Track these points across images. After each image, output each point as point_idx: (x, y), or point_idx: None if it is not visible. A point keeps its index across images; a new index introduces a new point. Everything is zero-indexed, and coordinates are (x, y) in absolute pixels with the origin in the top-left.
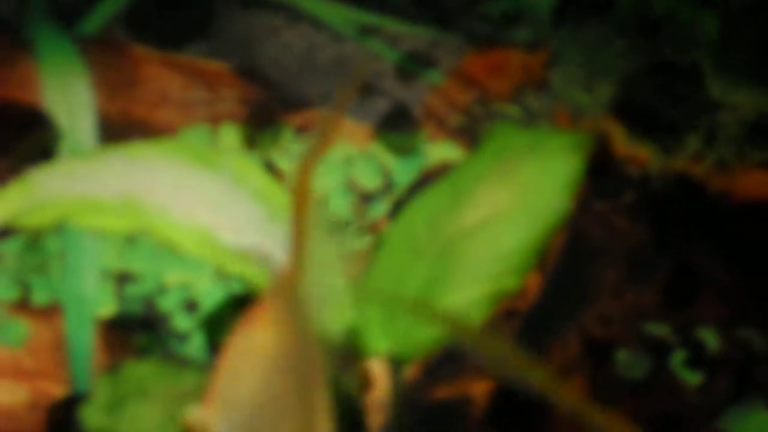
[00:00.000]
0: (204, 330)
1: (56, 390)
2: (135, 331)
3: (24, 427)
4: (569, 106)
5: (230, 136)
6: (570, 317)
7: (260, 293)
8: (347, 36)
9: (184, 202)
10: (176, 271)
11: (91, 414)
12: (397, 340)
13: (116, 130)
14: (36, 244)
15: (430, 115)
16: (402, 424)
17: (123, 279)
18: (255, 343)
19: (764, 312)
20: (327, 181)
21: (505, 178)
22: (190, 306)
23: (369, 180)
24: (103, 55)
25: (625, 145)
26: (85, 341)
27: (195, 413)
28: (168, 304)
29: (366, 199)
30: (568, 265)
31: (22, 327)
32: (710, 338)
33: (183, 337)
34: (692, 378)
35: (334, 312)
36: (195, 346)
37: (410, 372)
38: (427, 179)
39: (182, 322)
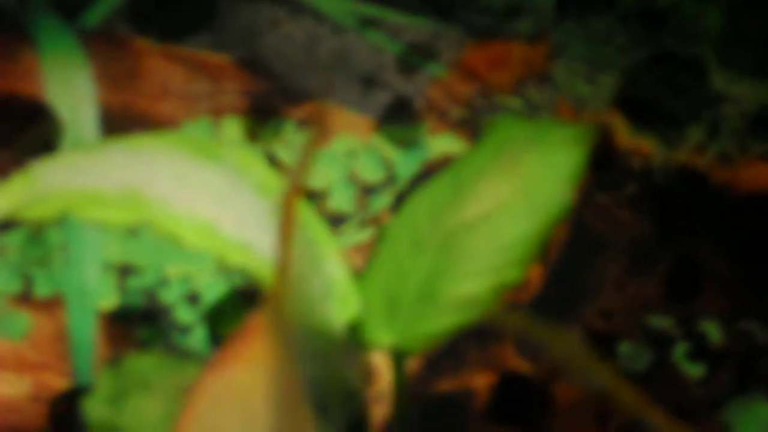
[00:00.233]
0: (206, 323)
1: (58, 382)
2: (137, 324)
3: (26, 420)
4: (571, 98)
5: (232, 128)
6: (572, 310)
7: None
8: (348, 28)
9: (186, 194)
10: (178, 263)
11: (93, 406)
12: (399, 333)
13: (118, 122)
14: (38, 236)
15: (432, 107)
16: (404, 417)
17: (125, 271)
18: (232, 385)
19: (767, 304)
20: (329, 173)
21: (507, 171)
22: (192, 298)
23: (371, 173)
24: (104, 47)
25: (627, 137)
26: (87, 334)
27: None
28: (170, 296)
29: (368, 191)
30: (571, 257)
31: (24, 319)
32: (713, 331)
33: (185, 330)
34: (694, 370)
35: (337, 305)
36: (197, 338)
37: (412, 365)
38: (429, 172)
39: (184, 314)
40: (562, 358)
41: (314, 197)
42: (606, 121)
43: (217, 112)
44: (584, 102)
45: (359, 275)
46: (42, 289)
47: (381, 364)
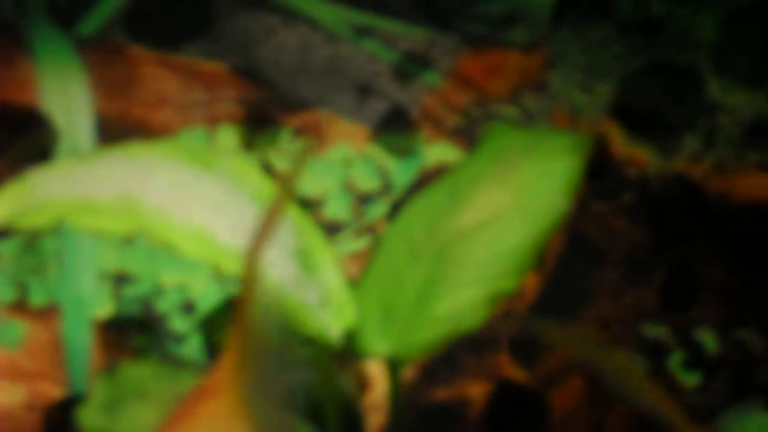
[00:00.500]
0: (201, 331)
1: (53, 391)
2: (132, 332)
3: (21, 428)
4: (568, 107)
5: (228, 137)
6: (568, 318)
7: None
8: (344, 36)
9: (181, 203)
10: (173, 272)
11: (88, 415)
12: (395, 341)
13: (114, 131)
14: (33, 244)
15: (428, 116)
16: (400, 425)
17: (120, 280)
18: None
19: (762, 313)
20: (325, 182)
21: (503, 180)
22: (188, 307)
23: (367, 181)
24: (100, 55)
25: (623, 146)
26: (83, 342)
27: None
28: (165, 305)
29: (364, 200)
30: (567, 266)
31: (20, 328)
32: (708, 339)
33: (180, 338)
34: (690, 379)
35: (333, 313)
36: (192, 347)
37: (408, 373)
38: (425, 180)
39: (179, 323)
40: (607, 373)
41: (310, 206)
42: (602, 130)
43: (213, 121)
44: (580, 111)
45: (355, 284)
46: (37, 298)
47: (377, 373)
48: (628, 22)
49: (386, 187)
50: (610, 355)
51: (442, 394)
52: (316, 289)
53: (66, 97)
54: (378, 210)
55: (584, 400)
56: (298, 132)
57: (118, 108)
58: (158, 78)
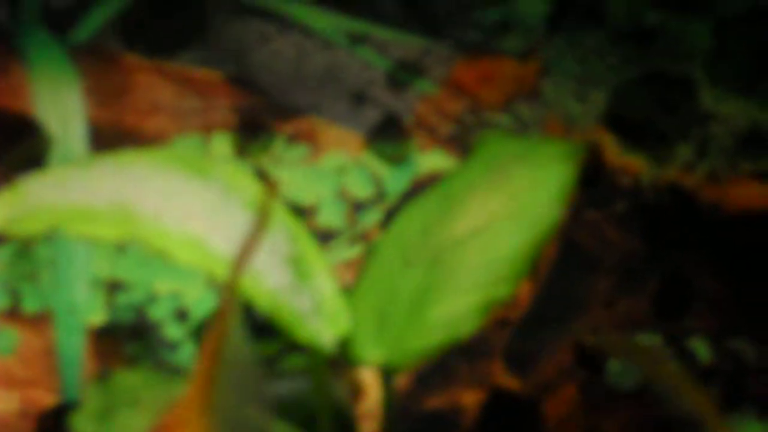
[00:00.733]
0: (195, 339)
1: (46, 398)
2: (125, 340)
3: None
4: (561, 115)
5: (222, 144)
6: (562, 326)
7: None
8: (338, 44)
9: (175, 210)
10: (167, 279)
11: (81, 422)
12: (388, 349)
13: (107, 138)
14: (26, 252)
15: (422, 124)
16: None
17: (114, 287)
18: None
19: (756, 323)
20: (319, 189)
21: (497, 187)
22: (181, 315)
23: (361, 189)
24: (94, 63)
25: (617, 155)
26: (76, 350)
27: None
28: (159, 312)
29: (358, 207)
30: (560, 274)
31: (13, 335)
32: (701, 349)
33: (173, 346)
34: None
35: (326, 321)
36: (185, 355)
37: (402, 381)
38: (418, 188)
39: (173, 331)
40: (660, 381)
41: (304, 213)
42: (595, 139)
43: (207, 128)
44: (574, 119)
45: (349, 291)
46: (30, 305)
47: (370, 380)
48: (621, 31)
49: (380, 195)
50: (665, 363)
51: (435, 401)
52: (310, 296)
53: (60, 105)
54: (372, 217)
55: (578, 408)
56: (292, 139)
57: (111, 115)
58: (152, 85)
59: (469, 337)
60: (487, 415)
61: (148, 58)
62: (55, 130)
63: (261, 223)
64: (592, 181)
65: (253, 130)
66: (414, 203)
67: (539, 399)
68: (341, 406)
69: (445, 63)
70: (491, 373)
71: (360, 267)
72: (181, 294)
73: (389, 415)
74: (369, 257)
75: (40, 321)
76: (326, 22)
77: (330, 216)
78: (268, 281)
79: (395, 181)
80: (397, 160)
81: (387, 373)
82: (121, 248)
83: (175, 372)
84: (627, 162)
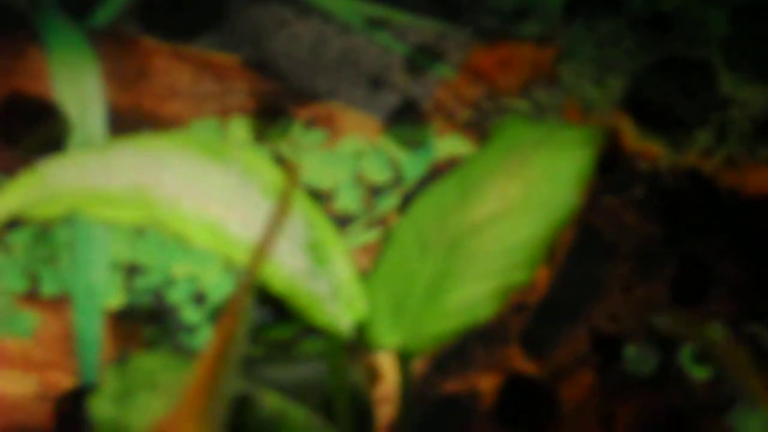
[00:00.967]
0: (212, 322)
1: (65, 381)
2: (143, 323)
3: (32, 418)
4: (579, 100)
5: (240, 128)
6: (579, 312)
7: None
8: (356, 28)
9: (193, 194)
10: (185, 263)
11: (99, 405)
12: (405, 334)
13: (126, 122)
14: (45, 235)
15: (440, 108)
16: (410, 417)
17: (132, 271)
18: None
19: None
20: (336, 174)
21: (515, 173)
22: (199, 298)
23: (378, 174)
24: (113, 47)
25: (635, 140)
26: (94, 332)
27: None
28: (177, 296)
29: (375, 192)
30: (578, 259)
31: (31, 318)
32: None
33: (191, 329)
34: (700, 373)
35: (343, 306)
36: (203, 338)
37: (418, 366)
38: (436, 173)
39: (191, 314)
40: (730, 365)
41: (321, 198)
42: (613, 124)
43: (225, 112)
44: (592, 104)
45: (366, 276)
46: (49, 288)
47: (387, 365)
48: (640, 16)
49: (397, 180)
50: (732, 345)
51: (452, 386)
52: (327, 281)
53: (78, 89)
54: (389, 202)
55: (594, 393)
56: (310, 124)
57: (130, 99)
58: (170, 70)
59: (485, 322)
60: (504, 400)
61: (167, 42)
62: (74, 114)
63: (283, 208)
64: (610, 166)
65: (270, 115)
66: (431, 188)
67: (556, 384)
68: (358, 391)
69: (463, 48)
70: (508, 358)
71: (377, 252)
72: (198, 277)
73: (406, 399)
74: (386, 242)
75: (59, 304)
76: (344, 7)
77: (347, 201)
78: (286, 265)
79: (413, 166)
80: (414, 145)
81: (404, 358)
82: (139, 231)
83: (193, 355)
84: (645, 147)
